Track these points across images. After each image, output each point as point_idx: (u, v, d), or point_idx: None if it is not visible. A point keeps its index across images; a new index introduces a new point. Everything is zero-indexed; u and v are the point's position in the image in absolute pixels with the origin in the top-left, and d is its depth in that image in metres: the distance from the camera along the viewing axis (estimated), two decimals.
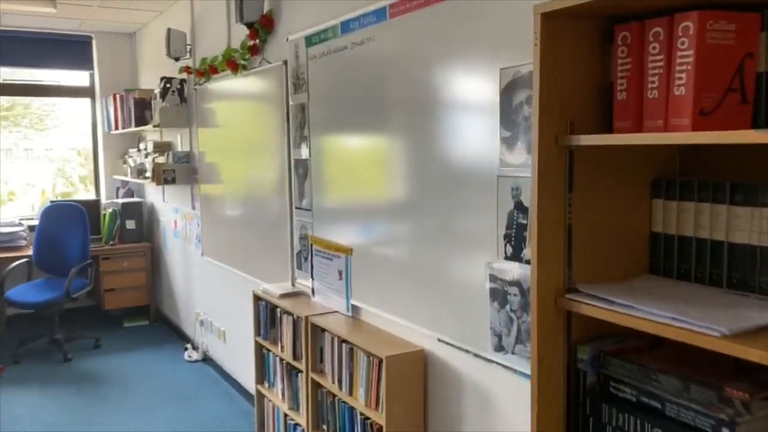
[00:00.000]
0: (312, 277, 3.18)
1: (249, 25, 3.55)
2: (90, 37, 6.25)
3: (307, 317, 2.90)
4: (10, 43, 5.91)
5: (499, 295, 2.01)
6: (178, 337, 5.57)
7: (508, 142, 1.94)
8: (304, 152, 3.21)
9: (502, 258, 1.99)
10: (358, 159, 2.77)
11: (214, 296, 4.76)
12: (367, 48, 2.63)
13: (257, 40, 3.59)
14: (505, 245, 1.97)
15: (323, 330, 2.82)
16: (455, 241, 2.21)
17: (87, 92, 6.42)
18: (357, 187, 2.80)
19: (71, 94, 6.46)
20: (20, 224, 5.84)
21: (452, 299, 2.23)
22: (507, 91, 1.93)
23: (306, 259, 3.27)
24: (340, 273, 2.92)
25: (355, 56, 2.72)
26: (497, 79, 1.96)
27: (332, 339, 2.74)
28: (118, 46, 6.34)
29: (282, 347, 3.19)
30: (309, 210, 3.21)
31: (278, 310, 3.22)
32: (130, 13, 5.43)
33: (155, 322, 6.04)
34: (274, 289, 3.35)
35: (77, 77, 6.44)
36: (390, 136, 2.54)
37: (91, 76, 6.40)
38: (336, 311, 2.96)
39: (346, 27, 2.77)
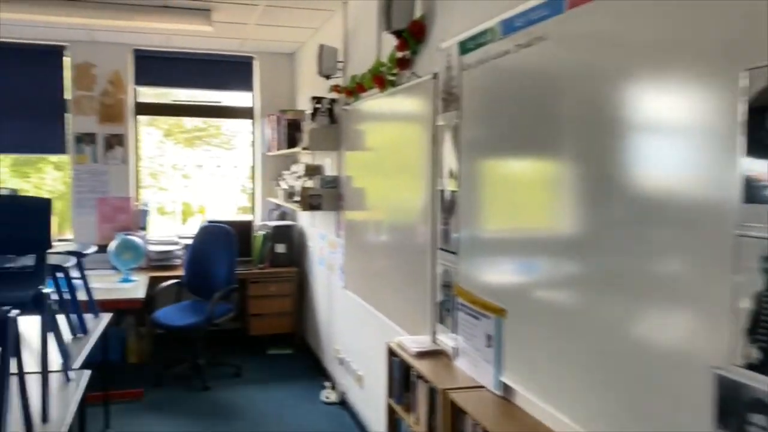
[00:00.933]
0: (455, 334, 2.58)
1: (398, 34, 3.07)
2: (252, 58, 6.23)
3: (445, 391, 2.30)
4: (179, 64, 6.04)
5: (731, 418, 1.28)
6: (318, 371, 5.23)
7: (758, 183, 1.23)
8: (452, 183, 2.65)
9: (741, 362, 1.26)
10: (520, 192, 2.15)
11: (353, 335, 4.33)
12: (535, 51, 2.02)
13: (406, 52, 3.10)
14: (747, 344, 1.25)
15: (464, 411, 2.21)
16: (655, 325, 1.50)
17: (248, 113, 6.40)
18: (517, 228, 2.17)
19: (234, 115, 6.49)
20: (176, 243, 5.89)
21: (647, 400, 1.53)
22: (760, 100, 1.22)
23: (449, 311, 2.68)
24: (489, 338, 2.29)
25: (519, 62, 2.11)
26: (740, 84, 1.25)
27: (474, 427, 2.12)
28: (278, 67, 6.26)
29: (416, 419, 2.62)
30: (455, 253, 2.63)
31: (413, 372, 2.66)
32: (286, 31, 5.26)
33: (299, 352, 5.78)
34: (411, 343, 2.80)
35: (243, 98, 6.45)
36: (563, 164, 1.89)
37: (253, 97, 6.38)
38: (482, 387, 2.33)
39: (508, 26, 2.18)
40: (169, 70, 6.06)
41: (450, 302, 2.67)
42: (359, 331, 4.16)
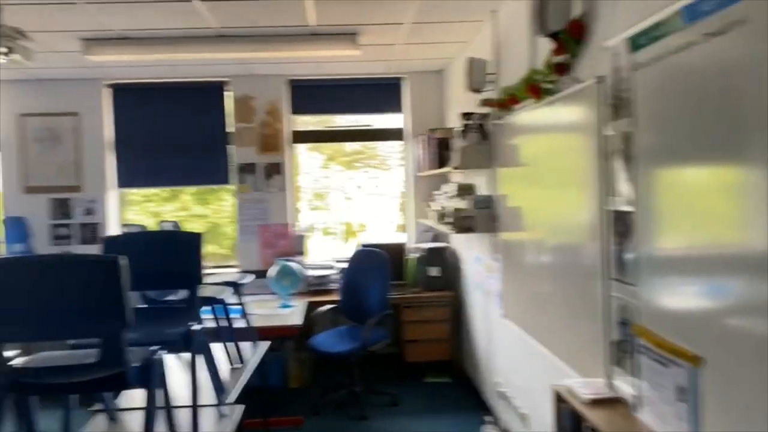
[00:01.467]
0: (637, 380, 2.19)
1: (554, 37, 2.75)
2: (400, 79, 6.15)
3: None
4: (331, 91, 6.12)
5: None
6: (478, 403, 4.92)
7: None
8: (626, 199, 2.27)
9: None
10: (717, 210, 1.74)
11: (515, 368, 3.98)
12: (731, 39, 1.62)
13: (565, 55, 2.77)
14: None
15: None
16: None
17: (399, 134, 6.32)
18: (715, 255, 1.76)
19: (385, 137, 6.44)
20: (331, 267, 5.91)
21: None
22: None
23: (628, 352, 2.29)
24: (682, 391, 1.88)
25: (710, 54, 1.72)
26: None
27: None
28: (427, 85, 6.12)
29: None
30: (633, 285, 2.24)
31: (586, 424, 2.30)
32: (434, 48, 5.10)
33: (457, 380, 5.51)
34: (582, 387, 2.43)
35: (394, 120, 6.40)
36: None
37: (403, 118, 6.29)
38: None
39: (693, 12, 1.79)
40: (322, 97, 6.15)
41: (629, 342, 2.28)
42: (521, 364, 3.82)
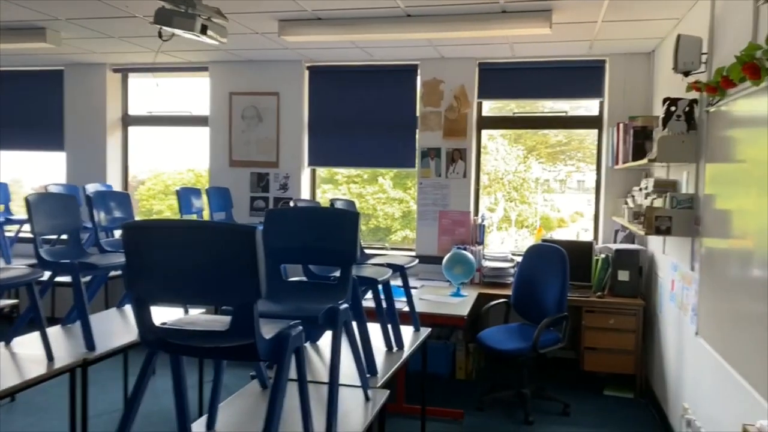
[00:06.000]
0: None
1: None
2: (602, 61, 5.63)
3: None
4: (522, 74, 5.81)
5: None
6: (663, 427, 4.37)
7: None
8: None
9: None
10: None
11: (705, 395, 3.43)
12: None
13: None
14: None
15: None
16: None
17: (595, 122, 5.81)
18: None
19: (579, 125, 5.98)
20: (509, 260, 5.64)
21: None
22: None
23: None
24: None
25: None
26: None
27: None
28: (633, 68, 5.52)
29: None
30: None
31: None
32: (641, 26, 4.55)
33: (641, 398, 4.96)
34: None
35: (589, 106, 5.91)
36: None
37: (601, 104, 5.77)
38: None
39: None
40: (513, 82, 5.86)
41: None
42: (712, 391, 3.27)
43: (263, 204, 6.40)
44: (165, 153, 7.32)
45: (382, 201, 6.65)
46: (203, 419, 2.35)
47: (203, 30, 3.32)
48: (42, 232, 3.35)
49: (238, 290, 1.78)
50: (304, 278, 2.99)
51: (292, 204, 5.73)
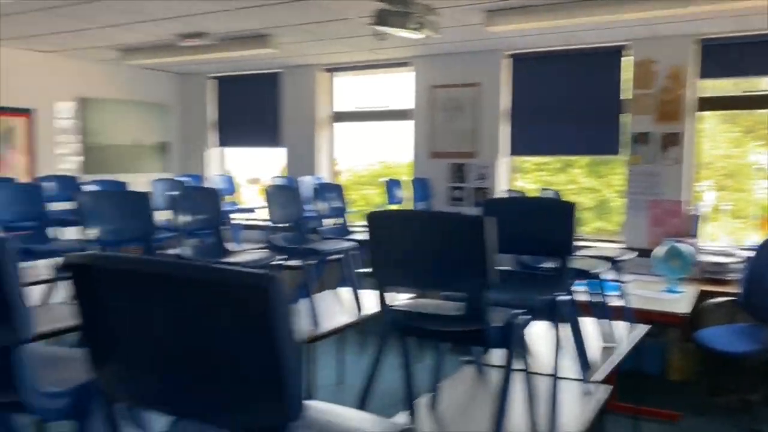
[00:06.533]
0: None
1: None
2: None
3: None
4: (754, 50, 5.23)
5: None
6: None
7: None
8: None
9: None
10: None
11: None
12: None
13: None
14: None
15: None
16: None
17: None
18: None
19: None
20: (732, 254, 5.14)
21: None
22: None
23: None
24: None
25: None
26: None
27: None
28: None
29: None
30: None
31: None
32: None
33: None
34: None
35: None
36: None
37: None
38: None
39: None
40: (740, 58, 5.31)
41: None
42: None
43: (461, 194, 6.50)
44: (356, 146, 7.72)
45: (574, 191, 6.41)
46: (427, 397, 2.47)
47: (418, 27, 3.46)
48: (277, 221, 3.74)
49: (468, 277, 1.85)
50: (508, 268, 3.00)
51: (502, 195, 5.74)
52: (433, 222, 1.90)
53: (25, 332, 1.32)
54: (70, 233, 5.03)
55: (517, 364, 2.10)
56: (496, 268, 1.85)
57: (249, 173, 8.28)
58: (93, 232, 3.09)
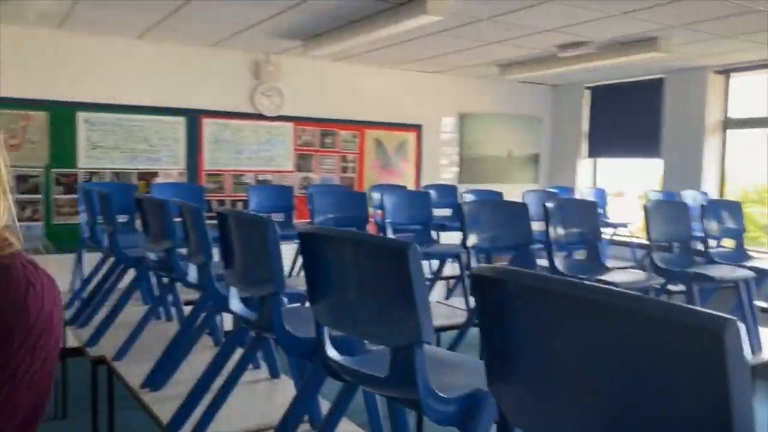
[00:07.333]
0: None
1: None
2: None
3: None
4: None
5: None
6: None
7: None
8: None
9: None
10: None
11: None
12: None
13: None
14: None
15: None
16: None
17: None
18: None
19: None
20: None
21: None
22: None
23: None
24: None
25: None
26: None
27: None
28: None
29: None
30: None
31: None
32: None
33: None
34: None
35: None
36: None
37: None
38: None
39: None
40: None
41: None
42: None
43: None
44: (747, 158, 6.60)
45: None
46: None
47: None
48: (656, 239, 3.39)
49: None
50: None
51: None
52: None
53: (428, 333, 1.34)
54: (447, 238, 5.43)
55: None
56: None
57: (612, 186, 7.84)
58: (473, 239, 3.21)
